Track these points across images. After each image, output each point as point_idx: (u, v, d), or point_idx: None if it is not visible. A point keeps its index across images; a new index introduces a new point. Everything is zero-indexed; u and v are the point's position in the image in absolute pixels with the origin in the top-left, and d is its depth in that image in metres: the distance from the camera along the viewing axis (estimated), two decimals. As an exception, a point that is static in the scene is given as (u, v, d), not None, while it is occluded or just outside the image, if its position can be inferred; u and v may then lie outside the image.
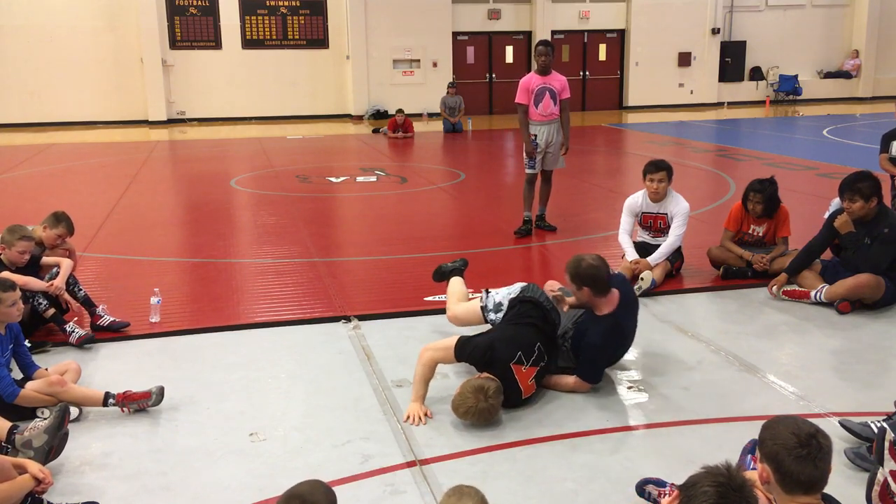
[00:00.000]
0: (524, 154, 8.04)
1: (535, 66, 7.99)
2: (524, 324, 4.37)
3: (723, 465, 2.23)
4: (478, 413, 3.94)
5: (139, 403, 4.18)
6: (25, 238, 5.29)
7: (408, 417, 4.14)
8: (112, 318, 5.44)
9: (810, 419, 2.53)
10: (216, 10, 22.00)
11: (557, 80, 7.93)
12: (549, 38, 23.26)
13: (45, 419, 3.69)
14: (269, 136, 18.67)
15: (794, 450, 2.34)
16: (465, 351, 4.19)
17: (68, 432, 3.71)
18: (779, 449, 2.37)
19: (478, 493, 2.53)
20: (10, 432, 3.65)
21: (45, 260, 5.58)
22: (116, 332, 5.36)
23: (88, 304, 5.49)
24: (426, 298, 5.97)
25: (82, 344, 5.13)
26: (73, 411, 4.14)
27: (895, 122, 9.70)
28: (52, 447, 3.57)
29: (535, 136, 7.91)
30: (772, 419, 2.52)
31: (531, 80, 7.93)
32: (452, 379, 4.61)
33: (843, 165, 11.75)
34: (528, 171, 8.10)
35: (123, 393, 4.20)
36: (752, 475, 2.99)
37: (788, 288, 5.90)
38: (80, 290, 5.50)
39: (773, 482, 2.40)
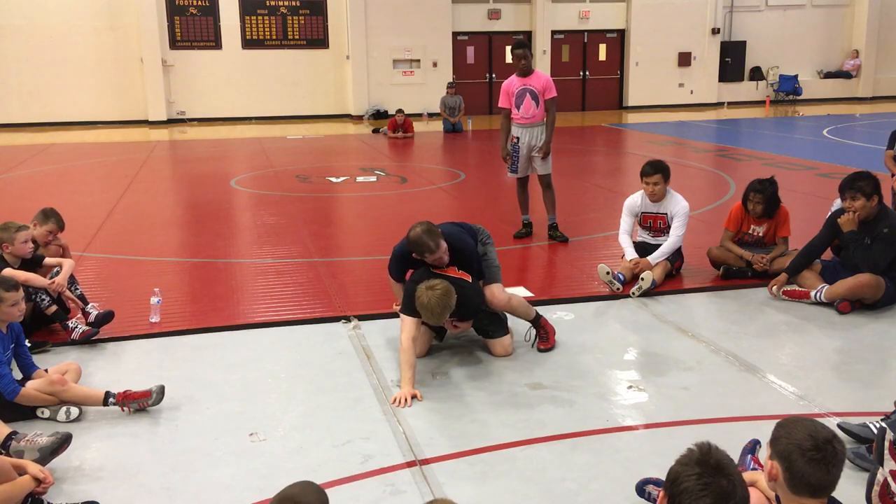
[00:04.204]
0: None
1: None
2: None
3: (695, 450, 2.17)
4: (430, 302, 4.41)
5: (139, 402, 4.18)
6: (21, 229, 5.31)
7: (394, 400, 4.29)
8: (96, 312, 5.42)
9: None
10: (216, 10, 22.00)
11: (538, 81, 7.67)
12: (549, 38, 23.34)
13: (43, 435, 3.66)
14: (269, 136, 18.67)
15: (808, 451, 2.31)
16: (404, 304, 4.68)
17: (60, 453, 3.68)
18: (793, 448, 2.34)
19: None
20: (9, 437, 3.65)
21: (48, 261, 5.58)
22: (106, 324, 5.35)
23: (83, 301, 5.50)
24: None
25: (86, 339, 5.14)
26: (74, 411, 4.15)
27: None
28: (41, 464, 3.49)
29: (518, 138, 7.73)
30: (789, 418, 2.48)
31: (511, 82, 7.76)
32: (452, 377, 4.63)
33: (843, 165, 11.75)
34: (510, 174, 7.99)
35: (124, 392, 4.20)
36: (751, 475, 3.00)
37: (788, 288, 5.90)
38: (77, 288, 5.52)
39: (781, 481, 2.38)
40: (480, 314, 4.99)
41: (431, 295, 4.43)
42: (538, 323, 5.11)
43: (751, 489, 2.90)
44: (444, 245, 4.70)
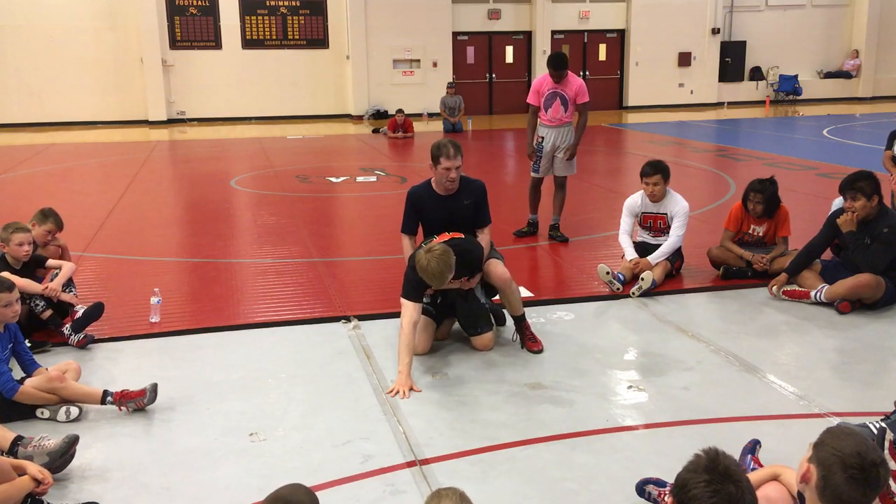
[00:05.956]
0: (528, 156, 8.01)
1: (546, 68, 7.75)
2: None
3: (703, 456, 2.18)
4: (430, 265, 4.49)
5: (136, 402, 4.17)
6: (20, 230, 5.26)
7: (392, 391, 4.33)
8: (83, 307, 5.35)
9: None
10: (216, 10, 22.01)
11: (571, 87, 7.64)
12: (549, 37, 23.32)
13: (49, 438, 3.64)
14: (269, 136, 18.67)
15: (851, 469, 2.23)
16: (404, 289, 4.74)
17: (73, 456, 3.65)
18: (836, 460, 2.26)
19: (455, 493, 2.39)
20: (14, 443, 3.64)
21: (51, 262, 5.56)
22: (96, 320, 5.32)
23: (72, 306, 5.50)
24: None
25: (84, 346, 5.13)
26: (74, 411, 4.15)
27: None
28: (51, 469, 3.49)
29: (543, 138, 7.77)
30: (844, 428, 2.40)
31: (543, 82, 7.75)
32: (452, 377, 4.63)
33: (843, 165, 11.75)
34: (532, 174, 8.02)
35: (121, 391, 4.20)
36: (774, 469, 2.98)
37: (788, 288, 5.89)
38: (72, 290, 5.50)
39: (813, 486, 2.32)
40: (466, 311, 5.07)
41: (430, 257, 4.50)
42: (522, 324, 5.09)
43: (774, 482, 2.89)
44: (461, 161, 5.19)
